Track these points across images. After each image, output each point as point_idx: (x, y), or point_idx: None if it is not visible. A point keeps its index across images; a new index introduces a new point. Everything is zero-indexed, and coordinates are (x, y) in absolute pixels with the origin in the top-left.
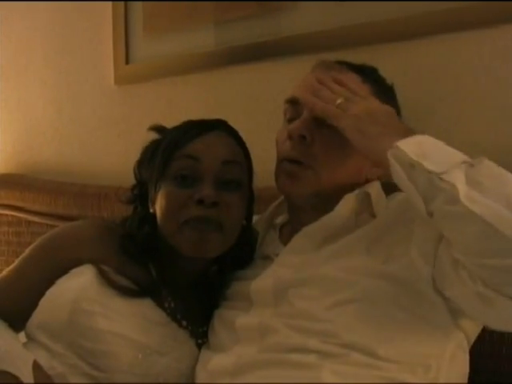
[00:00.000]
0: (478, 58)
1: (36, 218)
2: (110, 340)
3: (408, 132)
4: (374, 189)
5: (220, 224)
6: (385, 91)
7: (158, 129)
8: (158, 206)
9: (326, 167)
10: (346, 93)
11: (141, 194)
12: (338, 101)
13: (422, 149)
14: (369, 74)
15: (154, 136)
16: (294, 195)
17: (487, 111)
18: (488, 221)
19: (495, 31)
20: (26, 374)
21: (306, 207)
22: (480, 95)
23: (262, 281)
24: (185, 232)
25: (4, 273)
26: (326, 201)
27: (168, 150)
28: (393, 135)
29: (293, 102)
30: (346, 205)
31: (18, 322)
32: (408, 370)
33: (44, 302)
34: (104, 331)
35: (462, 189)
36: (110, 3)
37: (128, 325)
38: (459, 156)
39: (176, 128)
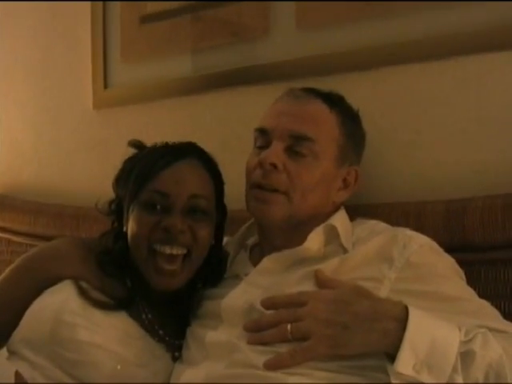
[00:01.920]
0: (439, 87)
1: (16, 238)
2: (90, 351)
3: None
4: (340, 220)
5: (187, 251)
6: (351, 118)
7: (136, 145)
8: (129, 229)
9: (297, 193)
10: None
11: (117, 210)
12: (288, 327)
13: (419, 356)
14: (336, 102)
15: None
16: (266, 220)
17: (446, 134)
18: None
19: (455, 63)
20: None
21: (277, 231)
22: (439, 120)
23: (232, 300)
24: (150, 267)
25: None
26: (297, 225)
27: (138, 180)
28: (376, 334)
29: (262, 131)
30: (315, 239)
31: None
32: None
33: (26, 318)
34: (85, 342)
35: None
36: (89, 30)
37: (108, 337)
38: (452, 349)
39: (149, 152)
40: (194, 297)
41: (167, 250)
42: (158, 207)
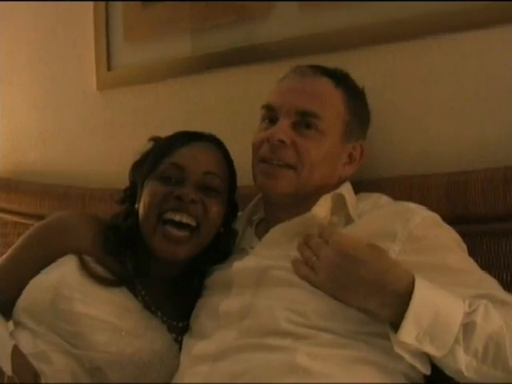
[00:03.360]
0: (440, 62)
1: (22, 220)
2: (86, 322)
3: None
4: (347, 191)
5: (197, 224)
6: (356, 95)
7: (155, 139)
8: (142, 202)
9: (305, 167)
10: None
11: (131, 194)
12: (313, 259)
13: (422, 326)
14: (341, 79)
15: (138, 138)
16: (273, 194)
17: (447, 109)
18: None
19: (455, 39)
20: (4, 361)
21: (283, 205)
22: (441, 95)
23: (243, 263)
24: (158, 233)
25: None
26: (303, 199)
27: (157, 155)
28: (383, 295)
29: (269, 108)
30: (323, 205)
31: (8, 309)
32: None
33: (28, 289)
34: (82, 314)
35: (463, 362)
36: (92, 12)
37: (104, 310)
38: (456, 320)
39: (168, 137)
40: (200, 277)
41: (177, 217)
42: (173, 180)
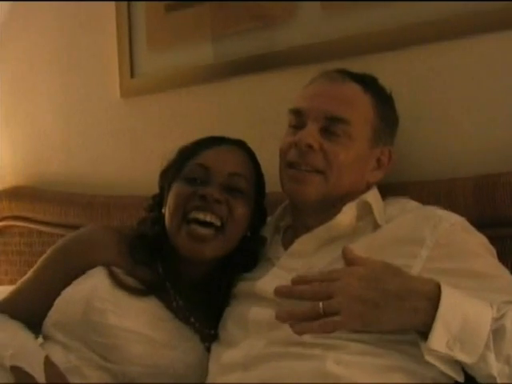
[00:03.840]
0: (465, 64)
1: (47, 229)
2: (120, 335)
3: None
4: (373, 197)
5: (221, 223)
6: (384, 100)
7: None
8: (168, 204)
9: (334, 172)
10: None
11: (159, 200)
12: (320, 305)
13: (452, 333)
14: (370, 84)
15: (162, 146)
16: (302, 200)
17: (473, 111)
18: None
19: (480, 40)
20: (37, 371)
21: (311, 211)
22: (466, 97)
23: (264, 284)
24: (183, 231)
25: (24, 277)
26: (331, 205)
27: (183, 157)
28: (408, 312)
29: (297, 112)
30: (348, 213)
31: (37, 324)
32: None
33: (59, 302)
34: (115, 327)
35: (495, 369)
36: (115, 20)
37: (137, 321)
38: (485, 326)
39: (195, 141)
40: (227, 283)
41: (201, 215)
42: (198, 181)
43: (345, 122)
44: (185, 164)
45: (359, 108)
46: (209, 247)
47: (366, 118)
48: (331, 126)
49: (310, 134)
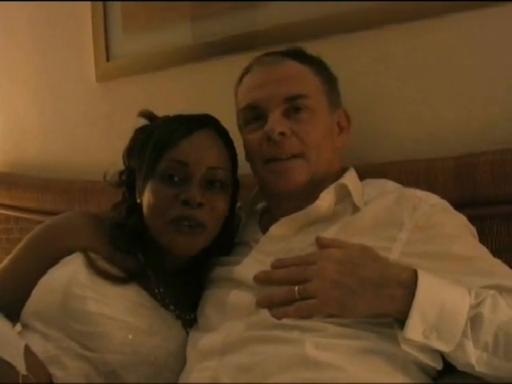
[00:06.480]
0: (444, 43)
1: (24, 215)
2: (100, 322)
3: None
4: (351, 179)
5: (204, 224)
6: (319, 64)
7: (147, 115)
8: (145, 201)
9: (312, 151)
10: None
11: (128, 181)
12: (296, 289)
13: (428, 322)
14: (301, 55)
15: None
16: (288, 189)
17: (453, 91)
18: (499, 376)
19: (459, 18)
20: (17, 360)
21: (292, 198)
22: (446, 77)
23: (244, 269)
24: (170, 233)
25: (0, 265)
26: (311, 189)
27: (157, 150)
28: (384, 298)
29: (252, 107)
30: (326, 197)
31: (14, 313)
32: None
33: (37, 291)
34: (95, 314)
35: (474, 356)
36: (89, 3)
37: (118, 308)
38: (462, 314)
39: (165, 122)
40: (206, 267)
41: (185, 223)
42: (176, 179)
43: (304, 96)
44: (160, 158)
45: (308, 81)
46: (196, 241)
47: (317, 87)
48: (293, 106)
49: (278, 121)
